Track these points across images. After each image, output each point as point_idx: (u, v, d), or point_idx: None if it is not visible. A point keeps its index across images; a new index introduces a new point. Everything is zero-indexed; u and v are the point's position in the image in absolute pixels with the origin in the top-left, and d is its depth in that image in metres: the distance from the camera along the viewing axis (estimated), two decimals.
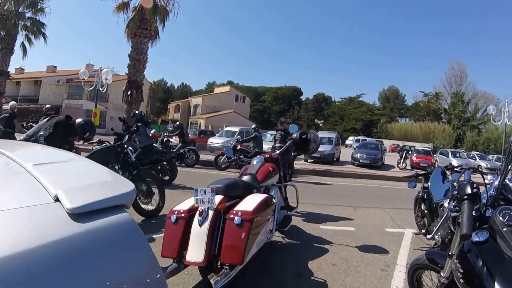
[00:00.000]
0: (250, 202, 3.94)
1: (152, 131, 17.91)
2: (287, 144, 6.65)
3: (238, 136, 24.92)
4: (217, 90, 77.44)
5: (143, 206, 6.86)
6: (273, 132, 26.68)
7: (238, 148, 15.40)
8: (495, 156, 39.51)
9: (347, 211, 9.02)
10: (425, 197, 6.79)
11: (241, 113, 64.26)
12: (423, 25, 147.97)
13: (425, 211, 6.75)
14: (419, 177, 7.22)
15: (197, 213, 3.67)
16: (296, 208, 6.30)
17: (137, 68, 23.60)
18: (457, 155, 34.11)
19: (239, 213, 3.61)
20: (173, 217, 3.71)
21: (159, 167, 10.69)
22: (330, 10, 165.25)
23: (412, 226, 7.65)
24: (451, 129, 69.18)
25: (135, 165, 7.10)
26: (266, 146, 16.65)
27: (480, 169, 6.30)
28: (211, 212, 3.65)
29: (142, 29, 23.34)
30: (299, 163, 20.72)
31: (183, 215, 3.73)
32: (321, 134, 27.42)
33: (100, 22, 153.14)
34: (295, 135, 6.79)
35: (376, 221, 8.36)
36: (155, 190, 7.12)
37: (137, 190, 6.48)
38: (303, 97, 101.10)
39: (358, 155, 23.49)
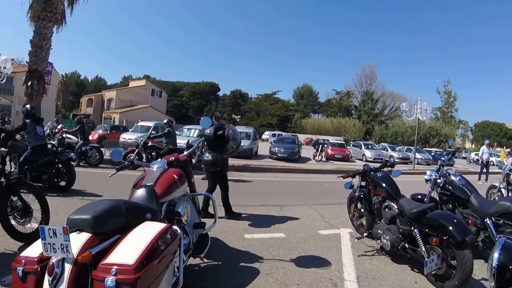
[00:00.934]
0: (134, 245, 2.49)
1: (59, 126, 15.44)
2: (198, 142, 5.25)
3: (153, 132, 24.00)
4: (132, 84, 74.04)
5: (19, 227, 5.18)
6: (191, 127, 26.25)
7: (149, 144, 13.98)
8: (405, 147, 42.29)
9: (273, 212, 8.17)
10: (362, 196, 6.30)
11: (157, 108, 61.53)
12: (336, 30, 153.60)
13: (364, 211, 6.22)
14: (356, 176, 6.53)
15: (47, 268, 2.28)
16: (213, 224, 4.69)
17: (39, 56, 20.62)
18: (369, 146, 35.36)
19: (113, 268, 2.23)
20: (19, 270, 2.33)
21: (53, 171, 9.00)
22: (243, 12, 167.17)
23: (346, 225, 7.19)
24: (361, 124, 76.11)
25: (2, 174, 5.26)
26: (182, 141, 15.16)
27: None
28: (68, 267, 2.28)
29: (47, 11, 20.07)
30: None
31: (33, 267, 2.34)
32: (239, 129, 26.94)
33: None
34: (208, 131, 4.82)
35: (306, 222, 7.57)
36: (36, 204, 5.41)
37: (8, 207, 5.14)
38: (220, 93, 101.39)
39: (276, 149, 23.04)
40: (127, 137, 23.62)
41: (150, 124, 26.30)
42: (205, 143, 4.85)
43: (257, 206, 8.58)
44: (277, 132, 51.42)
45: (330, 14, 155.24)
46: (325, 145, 29.61)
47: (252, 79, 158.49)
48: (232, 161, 18.33)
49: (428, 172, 7.39)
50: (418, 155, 34.38)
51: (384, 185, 5.72)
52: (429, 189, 6.88)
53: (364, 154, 32.50)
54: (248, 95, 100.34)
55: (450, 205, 6.64)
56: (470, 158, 51.14)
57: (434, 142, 58.85)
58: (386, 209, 5.60)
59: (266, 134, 59.71)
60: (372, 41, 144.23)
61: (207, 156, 6.97)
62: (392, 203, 5.52)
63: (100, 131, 27.92)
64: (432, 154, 39.03)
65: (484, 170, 21.09)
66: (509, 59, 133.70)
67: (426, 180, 7.31)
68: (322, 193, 11.13)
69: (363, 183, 6.41)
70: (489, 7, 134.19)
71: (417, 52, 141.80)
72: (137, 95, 62.64)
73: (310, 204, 9.23)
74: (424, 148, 43.27)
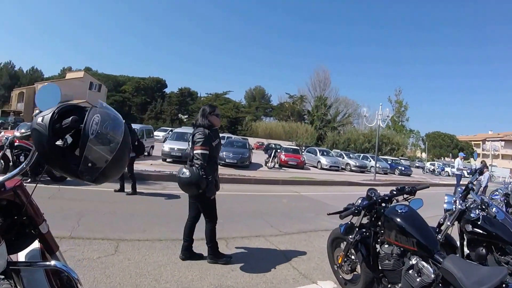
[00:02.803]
0: None
1: None
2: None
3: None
4: (69, 75, 65.94)
5: None
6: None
7: (16, 144, 9.92)
8: (361, 154, 41.21)
9: None
10: (361, 242, 4.07)
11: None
12: (294, 31, 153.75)
13: (362, 265, 4.05)
14: (361, 212, 4.03)
15: None
16: None
17: None
18: (325, 153, 33.44)
19: None
20: None
21: None
22: (191, 13, 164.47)
23: (325, 275, 5.06)
24: (313, 129, 74.55)
25: None
26: None
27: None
28: None
29: None
30: (156, 164, 17.39)
31: None
32: (181, 129, 24.97)
33: None
34: (40, 120, 2.17)
35: (265, 266, 5.12)
36: None
37: None
38: (167, 90, 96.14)
39: (224, 154, 20.40)
40: None
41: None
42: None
43: (197, 239, 5.86)
44: (226, 135, 48.55)
45: (287, 23, 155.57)
46: (278, 151, 27.74)
47: (202, 78, 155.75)
48: (169, 168, 15.67)
49: (446, 198, 5.09)
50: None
51: (411, 231, 3.34)
52: (447, 223, 4.72)
53: (319, 161, 30.44)
54: (197, 93, 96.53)
55: (483, 249, 4.43)
56: (426, 168, 50.70)
57: (387, 150, 58.88)
58: (412, 271, 3.21)
59: None
60: (327, 50, 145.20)
61: (183, 172, 4.66)
62: (427, 264, 3.12)
63: (23, 130, 23.98)
64: (389, 162, 37.96)
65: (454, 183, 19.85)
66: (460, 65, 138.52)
67: (446, 210, 4.95)
68: (280, 214, 8.68)
69: (364, 219, 4.09)
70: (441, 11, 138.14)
71: (368, 63, 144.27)
72: (74, 88, 55.78)
73: (267, 235, 6.74)
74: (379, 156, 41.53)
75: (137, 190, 9.60)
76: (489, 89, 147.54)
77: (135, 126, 22.46)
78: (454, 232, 4.78)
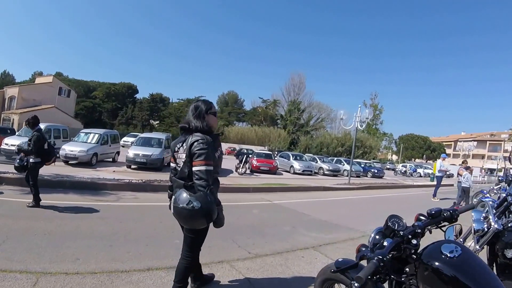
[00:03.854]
0: None
1: None
2: None
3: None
4: (38, 80, 62.77)
5: None
6: (89, 130, 21.95)
7: None
8: (334, 158, 41.22)
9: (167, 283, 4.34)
10: None
11: (64, 110, 54.19)
12: (268, 35, 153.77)
13: None
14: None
15: None
16: None
17: None
18: (298, 157, 32.46)
19: None
20: None
21: None
22: (177, 5, 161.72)
23: None
24: (286, 134, 74.38)
25: None
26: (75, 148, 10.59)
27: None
28: None
29: None
30: (120, 170, 15.80)
31: None
32: (146, 135, 23.59)
33: None
34: None
35: None
36: None
37: None
38: (138, 96, 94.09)
39: None
40: (10, 142, 18.63)
41: (42, 126, 21.29)
42: None
43: (142, 270, 4.72)
44: None
45: (262, 30, 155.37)
46: (250, 156, 26.68)
47: (174, 83, 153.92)
48: (132, 175, 14.41)
49: (474, 215, 3.77)
50: (348, 167, 32.64)
51: None
52: (476, 247, 3.58)
53: (292, 166, 29.57)
54: (169, 99, 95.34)
55: None
56: (397, 170, 50.69)
57: (359, 153, 58.75)
58: None
59: None
60: (302, 57, 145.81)
61: (185, 198, 3.24)
62: None
63: None
64: (362, 166, 37.47)
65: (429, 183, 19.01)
66: (434, 72, 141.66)
67: (475, 231, 3.65)
68: (250, 230, 7.50)
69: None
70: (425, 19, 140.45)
71: (342, 71, 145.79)
72: (43, 93, 54.33)
73: (233, 260, 5.49)
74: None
75: (95, 201, 8.48)
76: (461, 92, 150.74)
77: (99, 131, 21.26)
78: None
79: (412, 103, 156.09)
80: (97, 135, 20.20)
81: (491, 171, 70.07)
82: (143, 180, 12.52)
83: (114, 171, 16.40)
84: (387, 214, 7.54)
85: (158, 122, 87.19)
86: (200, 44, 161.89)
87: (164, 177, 14.51)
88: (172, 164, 3.75)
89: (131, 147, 20.42)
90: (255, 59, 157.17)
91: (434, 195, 18.10)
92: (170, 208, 3.68)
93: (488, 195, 13.38)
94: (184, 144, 3.50)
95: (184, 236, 3.78)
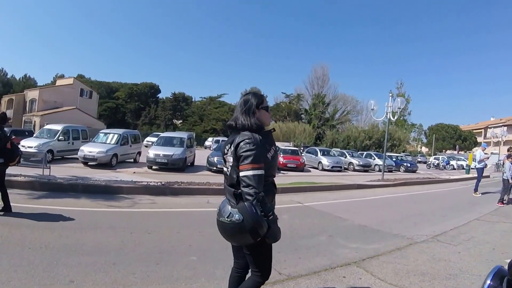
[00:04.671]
0: None
1: None
2: None
3: (61, 137, 19.82)
4: (59, 82, 63.15)
5: None
6: (109, 131, 21.31)
7: None
8: (364, 153, 39.19)
9: None
10: None
11: (86, 111, 54.30)
12: (289, 29, 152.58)
13: None
14: None
15: None
16: None
17: None
18: (326, 153, 31.24)
19: None
20: None
21: None
22: (198, 4, 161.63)
23: None
24: (311, 129, 72.27)
25: None
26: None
27: None
28: None
29: None
30: (140, 172, 14.96)
31: None
32: (168, 134, 22.92)
33: None
34: None
35: None
36: None
37: None
38: (161, 95, 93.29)
39: (215, 159, 18.47)
40: (27, 144, 18.10)
41: (59, 127, 20.72)
42: None
43: None
44: (220, 138, 46.36)
45: (282, 24, 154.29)
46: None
47: (196, 82, 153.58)
48: (145, 177, 13.52)
49: None
50: (379, 162, 31.78)
51: None
52: None
53: (320, 162, 28.46)
54: (191, 98, 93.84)
55: None
56: (430, 163, 48.93)
57: (388, 146, 56.82)
58: None
59: (209, 141, 53.99)
60: (324, 51, 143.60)
61: (227, 212, 2.78)
62: None
63: None
64: (394, 160, 36.16)
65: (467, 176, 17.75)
66: (460, 58, 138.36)
67: None
68: (280, 240, 6.38)
69: None
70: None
71: (366, 62, 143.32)
72: (64, 95, 54.62)
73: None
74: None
75: (107, 207, 7.66)
76: (490, 77, 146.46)
77: (118, 131, 20.51)
78: None
79: (437, 91, 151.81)
80: (116, 135, 19.51)
81: None
82: (163, 183, 11.60)
83: (134, 172, 15.67)
84: (431, 215, 9.73)
85: (181, 121, 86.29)
86: (221, 40, 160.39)
87: (186, 178, 13.66)
88: (224, 169, 3.10)
89: (152, 147, 19.75)
90: (275, 55, 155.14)
91: (476, 190, 16.84)
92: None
93: None
94: (232, 146, 2.92)
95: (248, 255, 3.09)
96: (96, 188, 10.22)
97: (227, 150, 2.97)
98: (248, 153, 2.73)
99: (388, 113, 20.66)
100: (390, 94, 21.27)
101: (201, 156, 22.93)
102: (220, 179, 15.03)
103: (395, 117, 21.85)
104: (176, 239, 6.15)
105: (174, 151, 18.23)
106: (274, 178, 3.07)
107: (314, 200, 11.73)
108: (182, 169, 18.17)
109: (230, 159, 2.91)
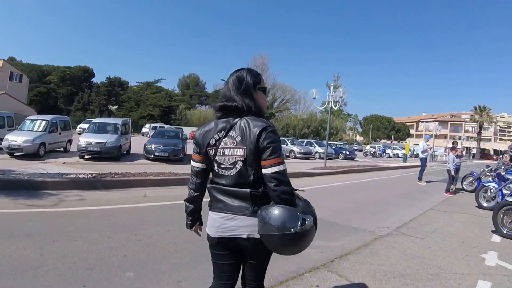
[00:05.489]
0: None
1: None
2: None
3: None
4: None
5: None
6: (36, 117, 19.40)
7: None
8: (305, 140, 39.69)
9: None
10: None
11: (15, 96, 49.36)
12: (231, 14, 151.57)
13: None
14: None
15: None
16: None
17: None
18: None
19: None
20: None
21: None
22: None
23: None
24: None
25: None
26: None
27: None
28: None
29: None
30: (71, 162, 13.77)
31: None
32: (100, 120, 21.21)
33: None
34: None
35: None
36: None
37: None
38: (95, 79, 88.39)
39: (153, 146, 17.29)
40: None
41: None
42: None
43: None
44: (158, 125, 44.68)
45: (222, 7, 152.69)
46: None
47: (133, 66, 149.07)
48: (79, 168, 12.17)
49: None
50: (320, 149, 31.82)
51: None
52: None
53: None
54: (128, 83, 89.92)
55: None
56: (366, 151, 50.62)
57: (326, 134, 57.84)
58: None
59: (147, 127, 51.83)
60: (263, 36, 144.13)
61: (291, 217, 2.10)
62: None
63: None
64: (333, 148, 36.34)
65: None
66: (396, 52, 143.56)
67: None
68: None
69: None
70: None
71: (305, 51, 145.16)
72: None
73: None
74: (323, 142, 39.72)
75: (27, 207, 6.53)
76: (423, 72, 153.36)
77: (46, 117, 18.71)
78: None
79: (372, 83, 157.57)
80: (44, 122, 17.59)
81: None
82: (93, 175, 10.25)
83: (64, 163, 14.17)
84: (385, 205, 9.99)
85: (116, 107, 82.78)
86: (158, 19, 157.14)
87: (121, 168, 12.49)
88: (198, 165, 2.48)
89: (83, 134, 18.06)
90: (215, 37, 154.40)
91: (420, 178, 17.18)
92: (189, 228, 2.71)
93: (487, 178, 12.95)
94: (232, 132, 2.28)
95: (245, 267, 2.48)
96: (18, 184, 8.75)
97: (216, 141, 2.30)
98: (277, 144, 2.19)
99: (330, 102, 20.63)
100: (332, 84, 21.86)
101: (138, 143, 21.52)
102: (159, 167, 14.18)
103: (337, 106, 21.77)
104: (108, 247, 5.02)
105: (107, 139, 16.69)
106: None
107: None
108: (117, 158, 16.80)
109: (234, 151, 2.25)
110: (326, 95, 21.42)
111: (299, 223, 2.04)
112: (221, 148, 2.28)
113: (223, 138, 2.27)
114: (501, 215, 7.41)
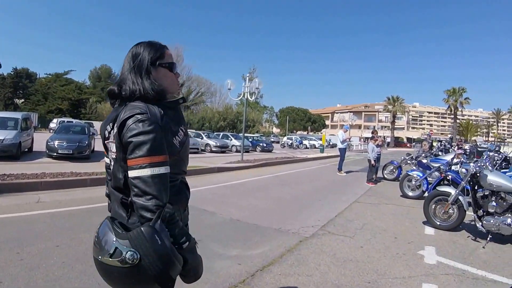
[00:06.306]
0: None
1: None
2: None
3: None
4: None
5: None
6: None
7: None
8: (221, 133, 38.93)
9: None
10: None
11: None
12: (144, 11, 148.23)
13: None
14: None
15: None
16: None
17: None
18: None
19: None
20: None
21: None
22: None
23: None
24: None
25: None
26: None
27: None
28: None
29: None
30: None
31: None
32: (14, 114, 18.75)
33: None
34: None
35: None
36: None
37: None
38: (1, 71, 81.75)
39: (56, 143, 15.75)
40: None
41: None
42: None
43: None
44: (66, 119, 41.99)
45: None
46: None
47: (41, 58, 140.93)
48: None
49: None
50: (236, 142, 31.58)
51: None
52: None
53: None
54: (36, 74, 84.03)
55: None
56: (284, 143, 51.40)
57: (242, 127, 57.81)
58: None
59: (54, 122, 47.28)
60: (179, 31, 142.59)
61: (105, 238, 1.63)
62: None
63: None
64: (250, 140, 36.06)
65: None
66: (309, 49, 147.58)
67: None
68: None
69: None
70: None
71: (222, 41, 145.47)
72: None
73: None
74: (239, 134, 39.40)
75: None
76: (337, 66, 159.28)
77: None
78: None
79: (288, 76, 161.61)
80: None
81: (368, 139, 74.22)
82: None
83: None
84: (307, 200, 9.78)
85: (23, 100, 76.73)
86: (70, 16, 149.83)
87: (20, 168, 11.10)
88: (106, 159, 1.96)
89: None
90: (127, 32, 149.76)
91: (340, 169, 17.23)
92: None
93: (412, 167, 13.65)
94: (115, 126, 1.77)
95: None
96: None
97: (109, 133, 1.86)
98: (142, 138, 1.67)
99: (246, 93, 20.19)
100: (247, 75, 21.38)
101: (44, 140, 19.76)
102: (61, 166, 12.82)
103: (253, 97, 21.37)
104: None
105: (5, 135, 14.86)
106: (185, 176, 2.08)
107: None
108: (16, 156, 15.02)
109: (113, 147, 1.81)
110: (242, 87, 21.02)
111: (109, 252, 1.54)
112: (109, 142, 1.85)
113: (111, 130, 1.83)
114: (433, 206, 7.27)
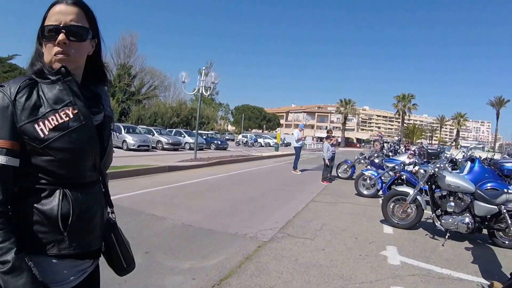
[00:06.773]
0: None
1: None
2: None
3: None
4: None
5: None
6: None
7: None
8: (173, 130, 38.60)
9: None
10: None
11: None
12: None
13: None
14: None
15: None
16: None
17: None
18: (131, 130, 28.15)
19: None
20: None
21: None
22: None
23: None
24: (115, 103, 65.58)
25: None
26: None
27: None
28: None
29: None
30: None
31: None
32: None
33: None
34: None
35: None
36: None
37: None
38: None
39: None
40: None
41: None
42: None
43: None
44: None
45: None
46: None
47: None
48: None
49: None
50: (190, 139, 30.97)
51: None
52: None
53: (125, 141, 25.12)
54: None
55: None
56: (239, 141, 51.43)
57: (196, 124, 56.54)
58: None
59: None
60: (133, 15, 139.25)
61: None
62: None
63: None
64: (204, 137, 35.42)
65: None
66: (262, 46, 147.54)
67: None
68: None
69: None
70: None
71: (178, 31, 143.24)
72: None
73: None
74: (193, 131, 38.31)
75: None
76: (292, 65, 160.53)
77: None
78: None
79: (244, 73, 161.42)
80: None
81: (321, 139, 75.31)
82: None
83: None
84: (263, 200, 9.52)
85: None
86: None
87: None
88: None
89: None
90: None
91: (295, 167, 17.00)
92: None
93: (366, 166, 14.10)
94: None
95: None
96: None
97: None
98: None
99: (201, 88, 19.37)
100: (203, 69, 20.51)
101: None
102: None
103: (209, 92, 20.52)
104: None
105: None
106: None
107: (118, 191, 8.93)
108: None
109: None
110: (197, 82, 20.08)
111: None
112: None
113: None
114: (391, 205, 7.36)
